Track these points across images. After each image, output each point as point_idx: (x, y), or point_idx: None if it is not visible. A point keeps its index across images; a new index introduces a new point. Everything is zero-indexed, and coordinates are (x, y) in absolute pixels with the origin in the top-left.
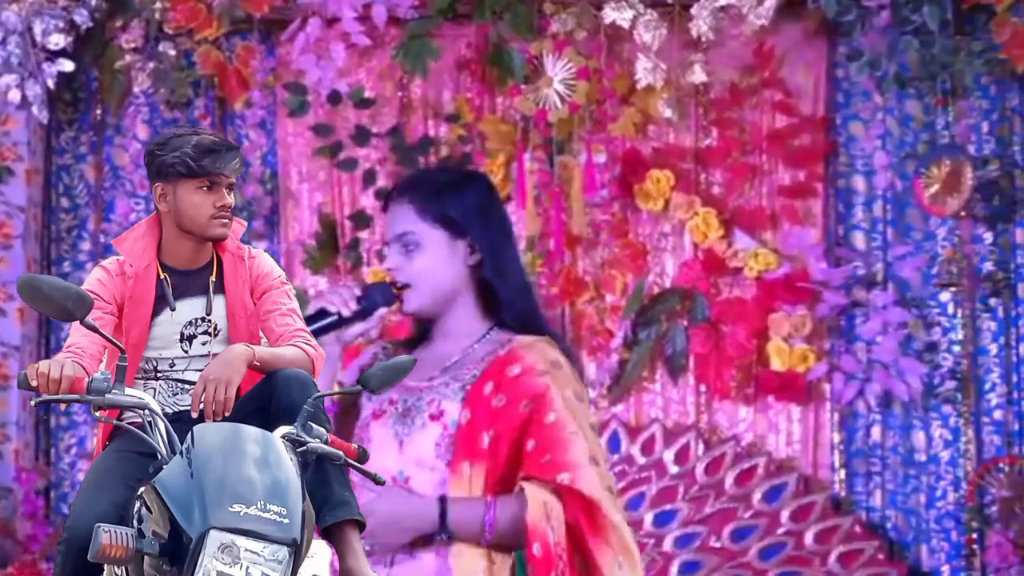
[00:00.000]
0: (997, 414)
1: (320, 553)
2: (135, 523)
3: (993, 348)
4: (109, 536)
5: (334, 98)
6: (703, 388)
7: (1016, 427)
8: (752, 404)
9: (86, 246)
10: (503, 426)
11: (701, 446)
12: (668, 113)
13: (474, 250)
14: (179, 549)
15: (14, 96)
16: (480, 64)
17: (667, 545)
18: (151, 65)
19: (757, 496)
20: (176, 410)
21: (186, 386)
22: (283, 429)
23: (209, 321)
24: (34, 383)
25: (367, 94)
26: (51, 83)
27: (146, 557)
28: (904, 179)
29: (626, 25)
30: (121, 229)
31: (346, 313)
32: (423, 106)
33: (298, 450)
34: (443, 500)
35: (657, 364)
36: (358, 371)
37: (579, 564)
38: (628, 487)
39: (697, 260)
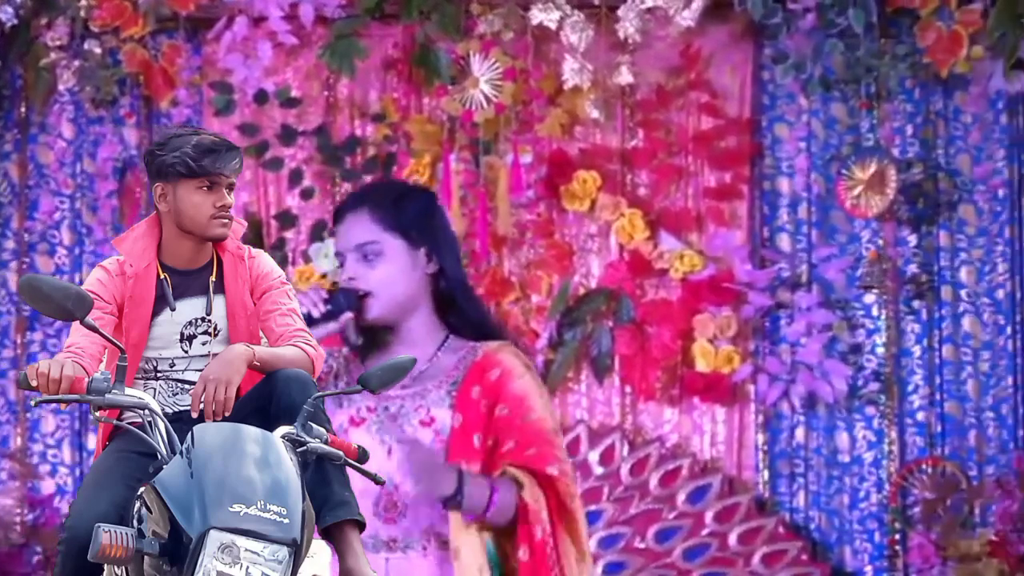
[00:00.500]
0: (920, 416)
1: (320, 553)
2: (135, 523)
3: (917, 350)
4: (109, 536)
5: (260, 97)
6: (628, 389)
7: (939, 429)
8: (677, 405)
9: (10, 244)
10: (489, 427)
11: (626, 447)
12: (595, 114)
13: (431, 259)
14: (179, 549)
15: None
16: (407, 64)
17: (592, 546)
18: (76, 63)
19: (681, 497)
20: (176, 410)
21: (186, 386)
22: (283, 429)
23: (209, 321)
24: (34, 383)
25: (293, 93)
26: None
27: (146, 557)
28: (829, 181)
29: (553, 26)
30: (45, 227)
31: (316, 315)
32: (349, 106)
33: (298, 450)
34: (461, 474)
35: (582, 365)
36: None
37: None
38: None
39: (623, 261)
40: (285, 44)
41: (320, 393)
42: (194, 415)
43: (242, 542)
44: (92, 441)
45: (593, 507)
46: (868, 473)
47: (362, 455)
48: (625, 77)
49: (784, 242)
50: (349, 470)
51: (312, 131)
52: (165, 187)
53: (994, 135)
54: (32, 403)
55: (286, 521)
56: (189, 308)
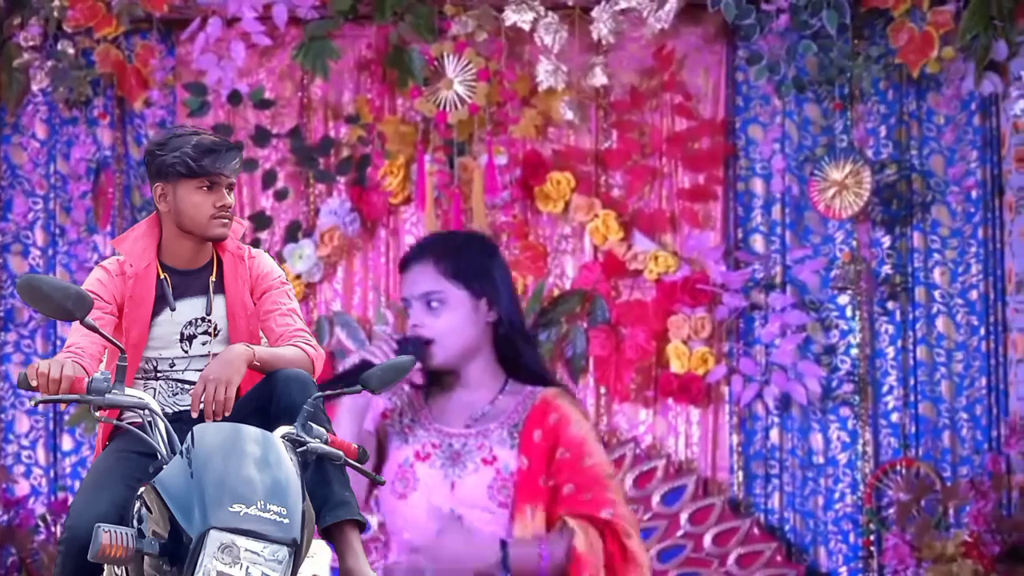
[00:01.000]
0: (894, 417)
1: (320, 553)
2: (135, 523)
3: (890, 351)
4: (109, 536)
5: (234, 98)
6: (603, 390)
7: (913, 430)
8: (652, 406)
9: None
10: (552, 470)
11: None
12: (569, 115)
13: (491, 307)
14: (179, 549)
15: None
16: (381, 65)
17: None
18: (50, 64)
19: (656, 498)
20: (176, 410)
21: (186, 386)
22: (283, 429)
23: (209, 321)
24: (34, 383)
25: (267, 94)
26: None
27: (146, 557)
28: (802, 183)
29: (527, 27)
30: (19, 228)
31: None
32: (323, 107)
33: (298, 450)
34: (504, 544)
35: (557, 366)
36: (380, 418)
37: None
38: None
39: (597, 262)
40: (259, 45)
41: (320, 393)
42: (194, 415)
43: (242, 542)
44: (67, 442)
45: None
46: (843, 474)
47: (362, 455)
48: (599, 78)
49: (758, 243)
50: (349, 470)
51: (286, 132)
52: (165, 187)
53: (967, 136)
54: (32, 403)
55: (286, 521)
56: (189, 308)
